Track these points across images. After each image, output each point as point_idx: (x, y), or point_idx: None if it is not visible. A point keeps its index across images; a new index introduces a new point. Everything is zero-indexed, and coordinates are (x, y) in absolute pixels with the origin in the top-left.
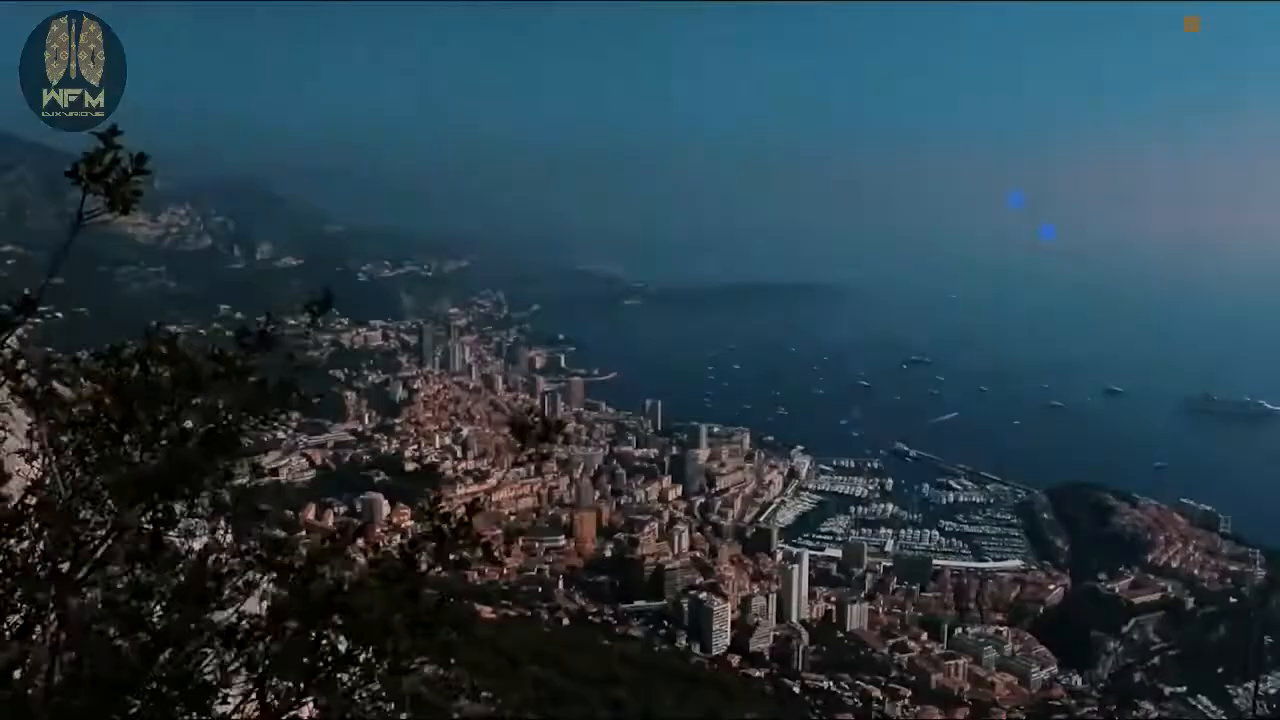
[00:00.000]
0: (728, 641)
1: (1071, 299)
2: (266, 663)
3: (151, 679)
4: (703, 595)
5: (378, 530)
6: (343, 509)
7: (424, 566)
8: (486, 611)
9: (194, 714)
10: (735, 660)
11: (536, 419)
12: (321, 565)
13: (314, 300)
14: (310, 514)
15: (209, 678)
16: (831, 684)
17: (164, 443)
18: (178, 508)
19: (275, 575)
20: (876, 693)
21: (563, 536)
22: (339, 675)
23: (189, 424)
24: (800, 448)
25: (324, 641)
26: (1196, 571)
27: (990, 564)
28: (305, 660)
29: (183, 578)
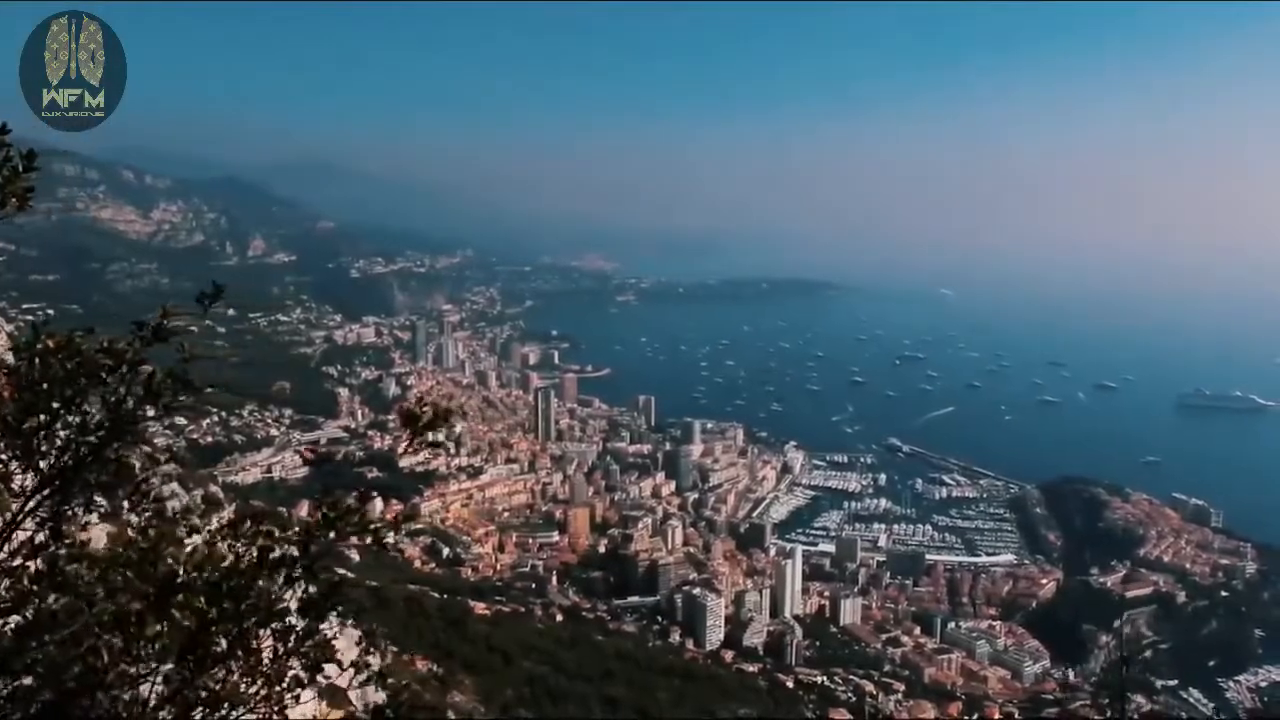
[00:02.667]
0: (721, 637)
1: (1067, 297)
2: (153, 648)
3: (31, 662)
4: (696, 591)
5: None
6: None
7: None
8: (480, 607)
9: (91, 698)
10: (729, 655)
11: (426, 408)
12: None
13: (205, 293)
14: (303, 511)
15: (95, 663)
16: (825, 679)
17: (60, 434)
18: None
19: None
20: (870, 687)
21: (556, 532)
22: (237, 660)
23: (88, 415)
24: (794, 443)
25: (210, 625)
26: (1188, 565)
27: (983, 558)
28: (188, 646)
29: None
